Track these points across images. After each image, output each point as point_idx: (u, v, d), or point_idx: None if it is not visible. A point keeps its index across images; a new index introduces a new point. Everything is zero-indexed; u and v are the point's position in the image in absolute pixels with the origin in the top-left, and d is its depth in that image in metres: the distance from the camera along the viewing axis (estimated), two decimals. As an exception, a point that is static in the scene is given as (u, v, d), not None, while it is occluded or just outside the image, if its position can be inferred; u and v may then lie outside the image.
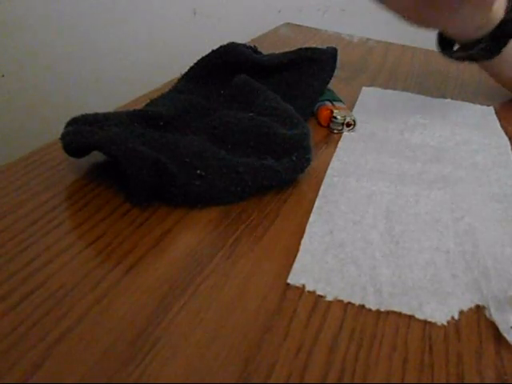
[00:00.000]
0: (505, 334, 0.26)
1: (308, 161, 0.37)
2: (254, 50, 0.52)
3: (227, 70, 0.48)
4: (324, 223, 0.33)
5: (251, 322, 0.25)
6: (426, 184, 0.39)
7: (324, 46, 0.51)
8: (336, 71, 0.50)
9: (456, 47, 0.58)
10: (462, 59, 0.56)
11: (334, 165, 0.41)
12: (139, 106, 0.42)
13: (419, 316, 0.26)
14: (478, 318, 0.27)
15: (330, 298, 0.27)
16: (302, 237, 0.31)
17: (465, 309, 0.28)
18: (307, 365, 0.23)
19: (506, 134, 0.51)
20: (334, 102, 0.49)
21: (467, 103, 0.59)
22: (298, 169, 0.37)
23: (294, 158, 0.36)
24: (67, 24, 1.14)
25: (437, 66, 0.74)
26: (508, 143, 0.49)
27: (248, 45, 0.52)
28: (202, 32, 1.18)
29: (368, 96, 0.58)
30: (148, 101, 0.43)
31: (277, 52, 0.51)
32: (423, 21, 0.52)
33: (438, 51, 0.58)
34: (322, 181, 0.38)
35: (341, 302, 0.27)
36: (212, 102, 0.44)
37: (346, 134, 0.47)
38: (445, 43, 0.58)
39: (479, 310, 0.28)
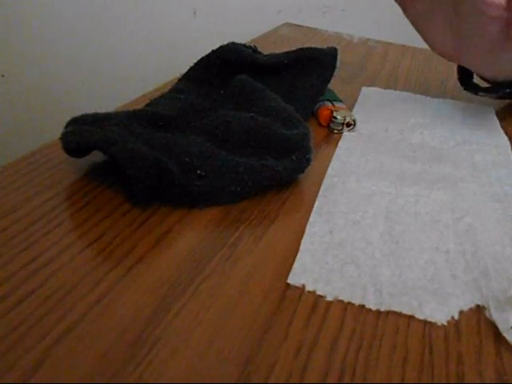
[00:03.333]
0: (505, 334, 0.26)
1: (308, 161, 0.37)
2: (254, 49, 0.52)
3: (227, 70, 0.48)
4: (324, 223, 0.33)
5: (251, 322, 0.25)
6: (426, 184, 0.39)
7: (324, 46, 0.51)
8: (336, 71, 0.50)
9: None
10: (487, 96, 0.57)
11: (334, 165, 0.41)
12: (139, 106, 0.42)
13: (419, 316, 0.26)
14: (478, 318, 0.27)
15: (330, 298, 0.27)
16: (302, 237, 0.31)
17: (465, 309, 0.27)
18: (307, 365, 0.23)
19: (506, 134, 0.51)
20: (334, 102, 0.49)
21: (467, 103, 0.59)
22: (298, 169, 0.37)
23: (294, 158, 0.36)
24: (67, 24, 1.14)
25: (437, 66, 0.74)
26: (508, 143, 0.49)
27: (248, 45, 0.52)
28: (201, 32, 1.18)
29: (368, 96, 0.58)
30: (148, 101, 0.43)
31: (277, 52, 0.51)
32: (461, 62, 0.54)
33: (460, 85, 0.59)
34: (321, 181, 0.38)
35: (341, 302, 0.27)
36: (212, 102, 0.44)
37: (345, 133, 0.47)
38: (464, 74, 0.58)
39: (479, 309, 0.28)
